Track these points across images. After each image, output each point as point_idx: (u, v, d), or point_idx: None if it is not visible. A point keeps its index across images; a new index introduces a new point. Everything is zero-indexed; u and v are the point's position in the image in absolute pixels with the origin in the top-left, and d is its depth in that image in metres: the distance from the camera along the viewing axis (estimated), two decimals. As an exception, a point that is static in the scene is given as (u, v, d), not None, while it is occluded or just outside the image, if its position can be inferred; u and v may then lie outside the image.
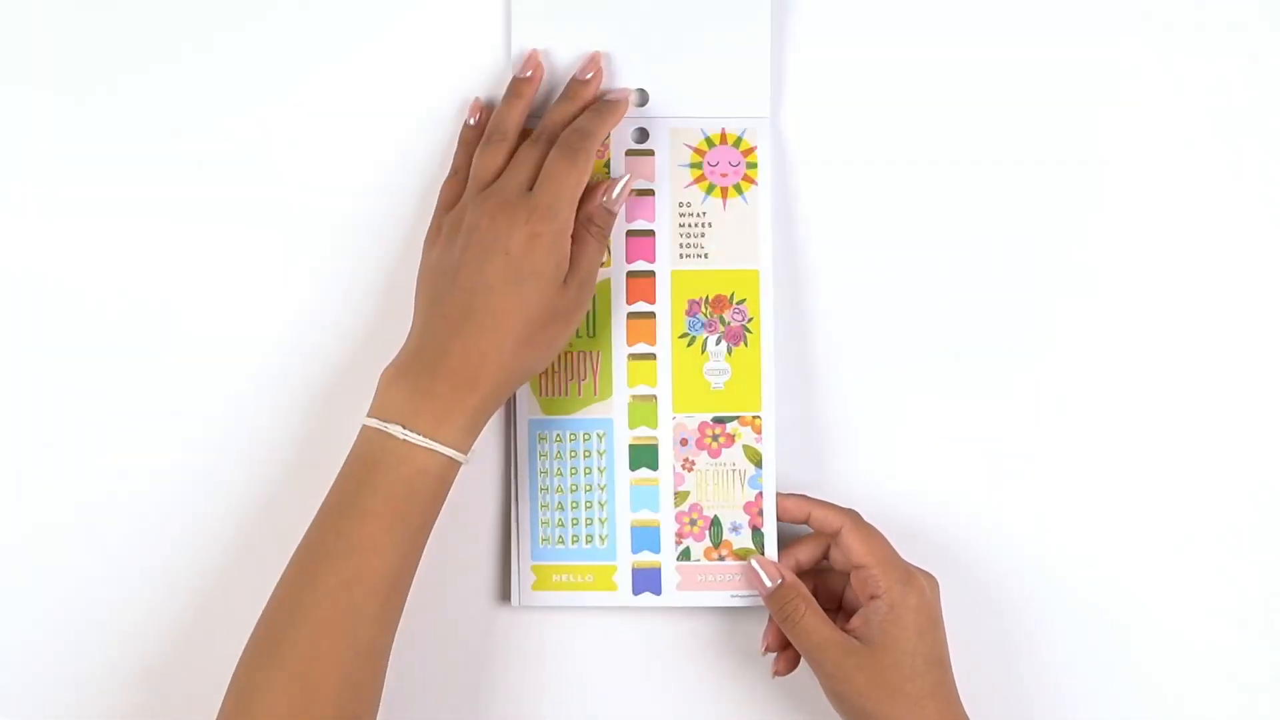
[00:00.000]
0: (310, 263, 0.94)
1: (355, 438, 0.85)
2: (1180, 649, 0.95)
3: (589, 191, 0.89)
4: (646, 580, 0.93)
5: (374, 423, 0.84)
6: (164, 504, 0.94)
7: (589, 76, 0.91)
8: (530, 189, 0.87)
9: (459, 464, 0.85)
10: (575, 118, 0.90)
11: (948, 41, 0.95)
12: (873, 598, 0.88)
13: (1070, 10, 0.94)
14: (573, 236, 0.87)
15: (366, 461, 0.84)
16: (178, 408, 0.94)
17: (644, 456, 0.93)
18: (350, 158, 0.94)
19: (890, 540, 0.90)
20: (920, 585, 0.88)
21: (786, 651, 0.91)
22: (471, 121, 0.92)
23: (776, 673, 0.92)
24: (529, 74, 0.91)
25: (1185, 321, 0.95)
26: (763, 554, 0.92)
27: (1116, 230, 0.95)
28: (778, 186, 0.94)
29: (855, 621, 0.88)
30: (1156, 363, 0.95)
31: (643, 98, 0.93)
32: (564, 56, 0.93)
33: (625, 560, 0.93)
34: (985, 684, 0.92)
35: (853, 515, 0.90)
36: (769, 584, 0.90)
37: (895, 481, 0.95)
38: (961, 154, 0.95)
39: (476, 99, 0.92)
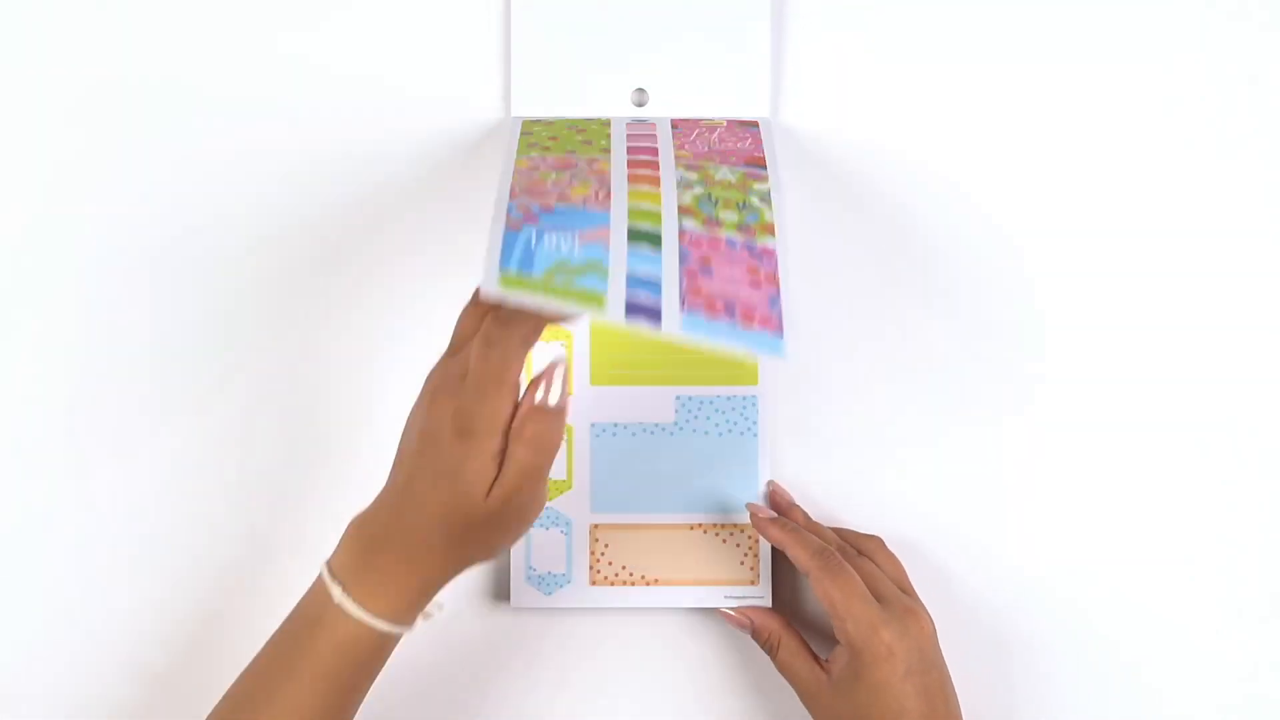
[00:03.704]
0: (315, 264, 0.94)
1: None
2: (1178, 672, 0.95)
3: (527, 391, 0.78)
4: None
5: (325, 575, 0.81)
6: (168, 491, 0.94)
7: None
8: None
9: (396, 636, 0.81)
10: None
11: (948, 42, 0.95)
12: (838, 641, 0.87)
13: (1070, 11, 0.95)
14: (510, 439, 0.78)
15: (308, 615, 0.81)
16: (179, 407, 0.94)
17: None
18: (345, 162, 0.94)
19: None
20: (884, 638, 0.85)
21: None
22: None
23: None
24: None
25: (1184, 331, 0.95)
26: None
27: (1116, 231, 0.95)
28: (777, 186, 0.94)
29: (830, 657, 0.88)
30: (1156, 363, 0.95)
31: (642, 97, 0.93)
32: (564, 56, 0.93)
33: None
34: (967, 678, 0.92)
35: (822, 558, 0.88)
36: (747, 627, 0.92)
37: (893, 482, 0.94)
38: (961, 154, 0.95)
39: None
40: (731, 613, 0.92)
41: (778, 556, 0.93)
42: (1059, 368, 0.95)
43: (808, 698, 0.89)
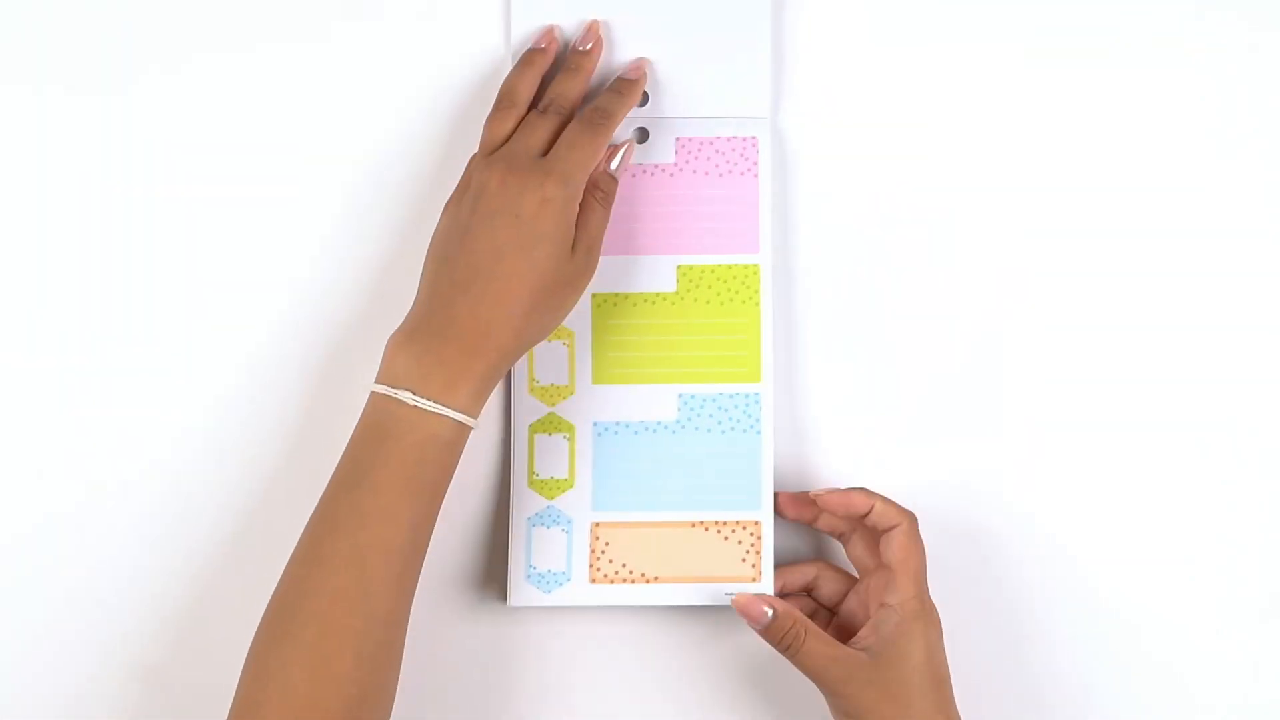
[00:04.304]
0: (313, 236, 0.94)
1: (364, 405, 0.85)
2: (1178, 672, 0.95)
3: None
4: None
5: (382, 389, 0.84)
6: (167, 489, 0.94)
7: (589, 47, 0.91)
8: (540, 156, 0.87)
9: (469, 429, 0.84)
10: (578, 88, 0.90)
11: (948, 41, 0.95)
12: (884, 605, 0.87)
13: (1070, 11, 0.94)
14: (582, 203, 0.87)
15: (377, 429, 0.83)
16: (181, 388, 0.94)
17: None
18: (350, 140, 0.94)
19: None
20: (932, 606, 0.88)
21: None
22: (541, 45, 0.91)
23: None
24: (544, 46, 0.91)
25: (1185, 331, 0.95)
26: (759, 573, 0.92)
27: (1116, 231, 0.95)
28: (777, 186, 0.94)
29: (863, 632, 0.88)
30: (1156, 363, 0.95)
31: (643, 98, 0.93)
32: (563, 57, 0.93)
33: None
34: (967, 679, 0.92)
35: (912, 517, 0.90)
36: (763, 619, 0.88)
37: (893, 482, 0.94)
38: (962, 154, 0.95)
39: (551, 27, 0.92)
40: (749, 598, 0.88)
41: (780, 554, 0.93)
42: (1059, 367, 0.95)
43: (839, 683, 0.86)
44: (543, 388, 0.93)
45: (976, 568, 0.94)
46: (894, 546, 0.88)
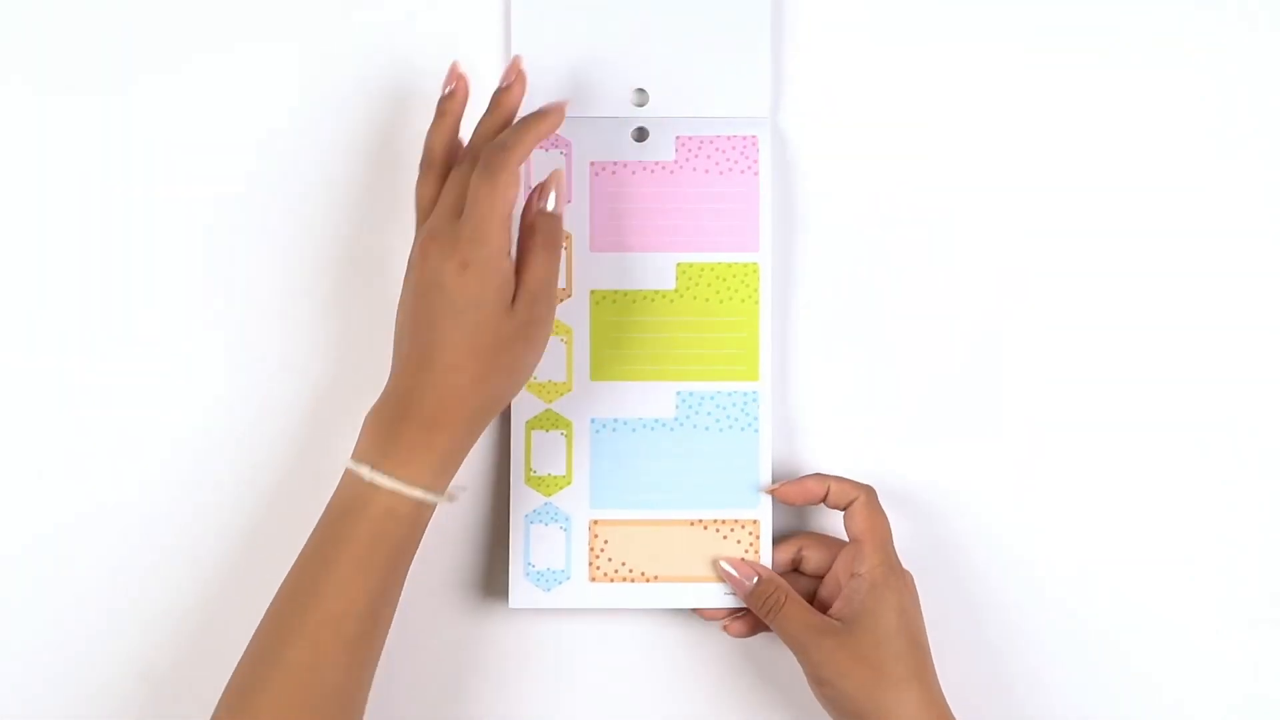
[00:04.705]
0: (314, 236, 0.94)
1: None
2: (1178, 672, 0.95)
3: (528, 200, 0.87)
4: None
5: (350, 464, 0.83)
6: (168, 490, 0.94)
7: (509, 84, 0.87)
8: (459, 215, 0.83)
9: (432, 505, 0.83)
10: (497, 132, 0.86)
11: (948, 42, 0.95)
12: (854, 575, 0.88)
13: (1071, 11, 0.95)
14: (521, 249, 0.85)
15: (341, 504, 0.83)
16: (181, 388, 0.94)
17: None
18: (351, 140, 0.94)
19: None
20: (903, 571, 0.89)
21: (746, 616, 0.92)
22: (447, 91, 0.88)
23: (737, 634, 0.92)
24: (450, 89, 0.88)
25: (1185, 331, 0.95)
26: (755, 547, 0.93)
27: (1116, 231, 0.95)
28: (777, 186, 0.94)
29: (837, 604, 0.89)
30: (1156, 363, 0.95)
31: (642, 98, 0.93)
32: (563, 57, 0.93)
33: None
34: (967, 680, 0.92)
35: (869, 490, 0.91)
36: (747, 584, 0.90)
37: (892, 481, 0.94)
38: (962, 154, 0.95)
39: (453, 64, 0.88)
40: (733, 570, 0.91)
41: (778, 553, 0.93)
42: (1059, 367, 0.95)
43: (814, 649, 0.87)
44: (540, 384, 0.93)
45: (976, 567, 0.94)
46: (856, 519, 0.90)
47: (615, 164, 0.93)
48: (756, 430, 0.93)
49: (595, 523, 0.93)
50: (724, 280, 0.93)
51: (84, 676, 0.93)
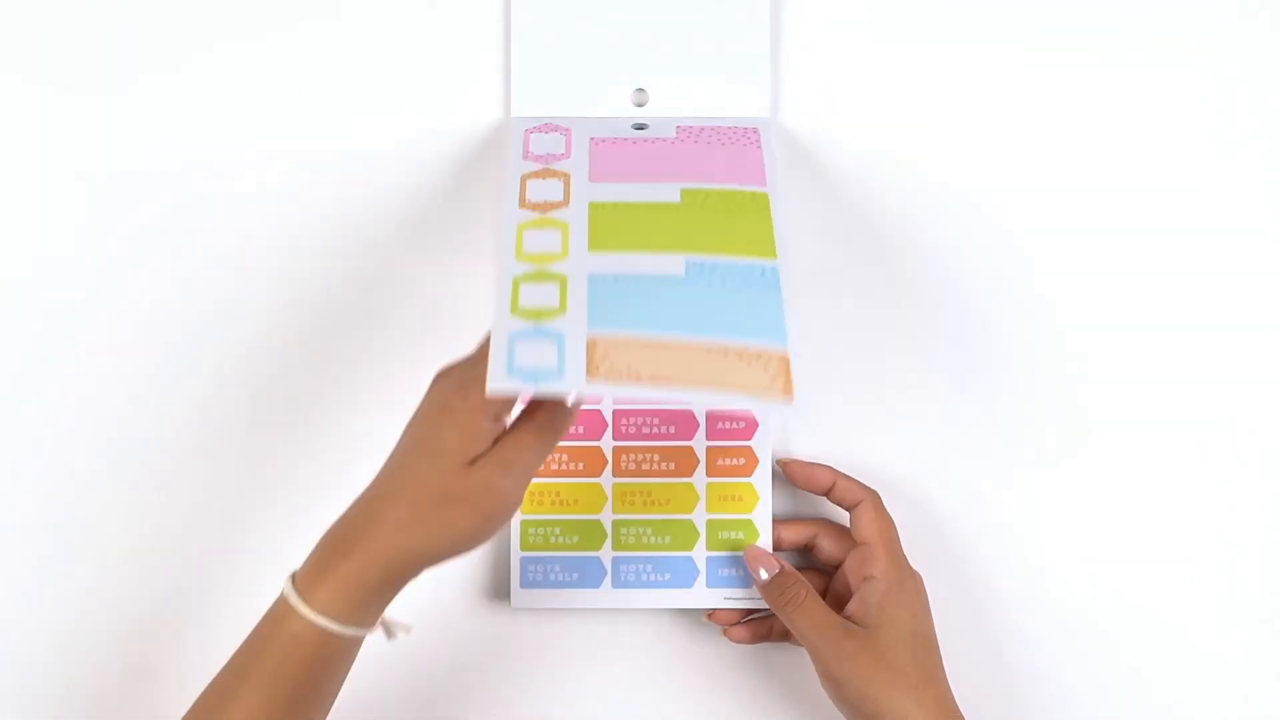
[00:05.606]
0: (315, 236, 0.94)
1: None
2: (1179, 672, 0.95)
3: None
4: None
5: (286, 577, 0.79)
6: (168, 490, 0.94)
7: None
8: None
9: (349, 637, 0.78)
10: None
11: (948, 41, 0.95)
12: (867, 578, 0.88)
13: (1071, 11, 0.95)
14: (519, 419, 0.78)
15: (267, 616, 0.79)
16: (180, 387, 0.94)
17: None
18: (352, 140, 0.94)
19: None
20: (914, 573, 0.90)
21: (751, 623, 0.92)
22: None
23: (739, 640, 0.92)
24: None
25: (1184, 331, 0.95)
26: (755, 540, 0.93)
27: (1116, 231, 0.95)
28: (778, 186, 0.94)
29: (851, 606, 0.89)
30: (1156, 363, 0.95)
31: (642, 97, 0.93)
32: (564, 56, 0.93)
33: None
34: (968, 679, 0.92)
35: (874, 494, 0.91)
36: (765, 575, 0.90)
37: (892, 481, 0.94)
38: (963, 154, 0.95)
39: None
40: (761, 551, 0.90)
41: (794, 532, 0.93)
42: (1059, 367, 0.95)
43: (830, 648, 0.87)
44: (531, 254, 0.83)
45: (976, 567, 0.94)
46: (863, 523, 0.90)
47: (616, 139, 0.91)
48: (778, 290, 0.82)
49: (595, 342, 0.78)
50: (734, 200, 0.86)
51: (70, 673, 0.94)
